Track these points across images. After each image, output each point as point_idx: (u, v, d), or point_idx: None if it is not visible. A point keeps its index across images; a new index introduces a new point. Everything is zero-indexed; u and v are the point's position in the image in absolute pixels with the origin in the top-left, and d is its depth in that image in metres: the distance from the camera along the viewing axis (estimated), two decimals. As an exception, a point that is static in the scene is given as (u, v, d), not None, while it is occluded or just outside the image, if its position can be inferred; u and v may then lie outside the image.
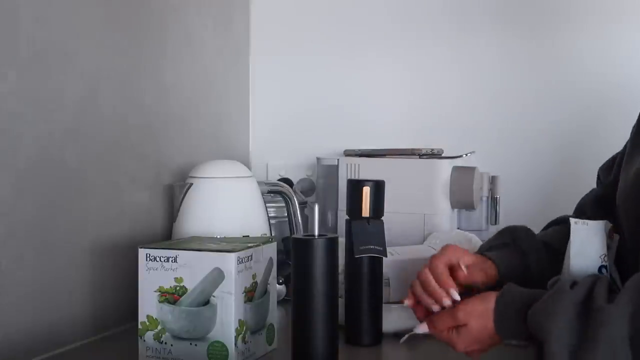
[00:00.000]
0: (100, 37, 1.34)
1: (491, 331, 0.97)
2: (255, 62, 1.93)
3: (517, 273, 1.16)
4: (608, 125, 1.69)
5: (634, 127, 1.22)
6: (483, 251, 1.23)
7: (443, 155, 1.64)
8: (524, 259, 1.18)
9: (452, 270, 1.12)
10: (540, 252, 1.19)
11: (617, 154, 1.27)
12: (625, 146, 1.24)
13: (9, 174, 1.14)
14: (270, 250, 1.20)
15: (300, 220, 1.56)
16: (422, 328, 1.06)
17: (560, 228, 1.23)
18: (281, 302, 1.37)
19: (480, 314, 0.98)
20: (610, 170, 1.27)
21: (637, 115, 1.22)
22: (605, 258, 1.10)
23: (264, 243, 1.18)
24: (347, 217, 1.28)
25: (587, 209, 1.28)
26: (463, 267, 1.11)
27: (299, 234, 1.45)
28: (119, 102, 1.39)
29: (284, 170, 1.89)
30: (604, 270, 1.09)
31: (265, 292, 1.18)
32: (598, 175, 1.32)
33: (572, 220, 1.12)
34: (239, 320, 1.10)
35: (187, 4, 1.62)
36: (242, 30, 1.90)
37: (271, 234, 1.48)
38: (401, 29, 1.84)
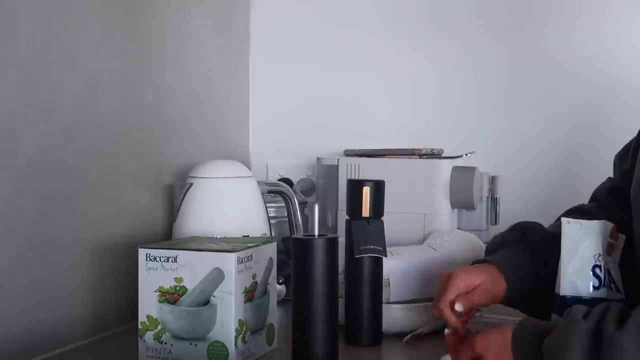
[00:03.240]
0: (100, 37, 1.34)
1: None
2: (255, 62, 1.92)
3: (527, 278, 1.18)
4: (608, 125, 1.69)
5: None
6: (491, 250, 1.25)
7: (443, 155, 1.64)
8: (533, 258, 1.19)
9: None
10: (551, 251, 1.19)
11: (632, 140, 1.26)
12: (639, 134, 1.23)
13: (9, 173, 1.14)
14: (270, 250, 1.20)
15: (300, 220, 1.56)
16: (447, 358, 1.08)
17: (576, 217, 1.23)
18: (281, 302, 1.37)
19: (497, 346, 1.00)
20: (626, 157, 1.26)
21: None
22: (600, 258, 1.10)
23: (264, 243, 1.18)
24: (347, 217, 1.28)
25: (602, 198, 1.28)
26: (458, 307, 1.14)
27: (299, 234, 1.45)
28: (119, 101, 1.39)
29: (284, 170, 1.89)
30: (597, 270, 1.09)
31: (265, 292, 1.18)
32: (614, 164, 1.31)
33: (564, 220, 1.12)
34: (239, 320, 1.10)
35: (187, 4, 1.62)
36: (242, 30, 1.90)
37: (271, 234, 1.48)
38: (401, 29, 1.84)
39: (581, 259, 1.10)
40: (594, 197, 1.33)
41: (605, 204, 1.26)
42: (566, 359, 0.92)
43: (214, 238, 1.29)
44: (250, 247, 1.14)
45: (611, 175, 1.32)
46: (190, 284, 1.10)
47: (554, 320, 1.00)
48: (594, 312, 0.94)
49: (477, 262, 1.24)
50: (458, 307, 1.14)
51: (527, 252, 1.20)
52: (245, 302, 1.11)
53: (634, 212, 1.11)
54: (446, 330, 1.11)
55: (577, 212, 1.24)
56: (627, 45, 1.68)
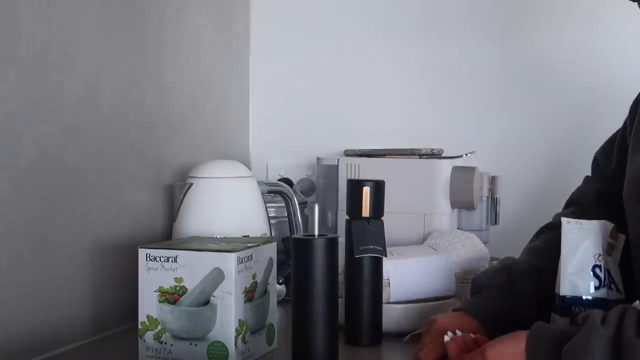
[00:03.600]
0: (100, 37, 1.34)
1: None
2: (255, 62, 1.93)
3: (504, 315, 1.15)
4: (608, 125, 1.68)
5: (631, 108, 1.19)
6: (475, 291, 1.21)
7: (443, 155, 1.64)
8: (514, 306, 1.17)
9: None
10: (533, 298, 1.16)
11: (615, 134, 1.24)
12: (625, 127, 1.21)
13: (9, 173, 1.14)
14: (270, 250, 1.20)
15: (300, 220, 1.56)
16: None
17: (553, 236, 1.18)
18: (281, 302, 1.37)
19: (511, 354, 0.96)
20: (610, 155, 1.23)
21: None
22: (600, 258, 1.10)
23: (264, 243, 1.18)
24: (347, 217, 1.28)
25: (589, 207, 1.24)
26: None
27: (299, 234, 1.45)
28: (119, 101, 1.39)
29: (284, 170, 1.89)
30: (597, 270, 1.09)
31: (265, 292, 1.18)
32: (596, 159, 1.29)
33: (564, 220, 1.11)
34: (239, 320, 1.10)
35: (187, 4, 1.62)
36: (242, 30, 1.90)
37: (271, 234, 1.48)
38: (401, 28, 1.84)
39: (581, 259, 1.10)
40: (575, 202, 1.28)
41: (593, 211, 1.20)
42: None
43: (214, 238, 1.29)
44: (250, 247, 1.14)
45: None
46: (190, 284, 1.10)
47: (569, 327, 0.97)
48: (611, 316, 0.92)
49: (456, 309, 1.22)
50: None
51: (511, 300, 1.17)
52: (245, 302, 1.11)
53: (627, 211, 1.11)
54: (445, 338, 1.06)
55: (556, 228, 1.16)
56: (626, 43, 1.69)
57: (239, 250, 1.10)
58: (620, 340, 0.89)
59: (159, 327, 1.12)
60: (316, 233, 1.13)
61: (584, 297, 1.08)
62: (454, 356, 1.04)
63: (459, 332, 1.08)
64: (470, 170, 1.58)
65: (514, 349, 0.96)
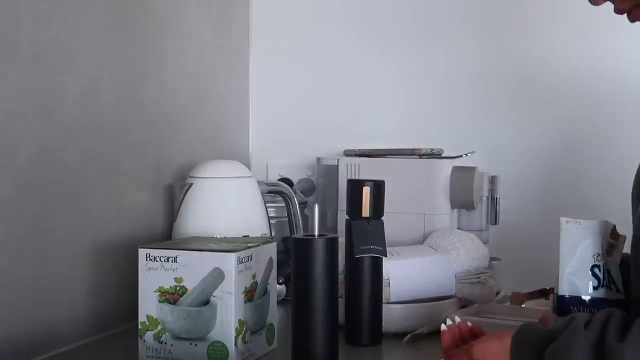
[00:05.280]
0: (100, 37, 1.34)
1: None
2: (255, 62, 1.93)
3: None
4: (609, 125, 1.69)
5: None
6: None
7: (443, 155, 1.64)
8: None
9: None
10: None
11: None
12: None
13: (9, 173, 1.14)
14: (270, 250, 1.20)
15: (300, 220, 1.56)
16: None
17: None
18: (281, 302, 1.38)
19: (495, 352, 0.97)
20: None
21: None
22: (600, 258, 1.10)
23: (264, 243, 1.18)
24: (347, 217, 1.28)
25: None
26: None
27: (299, 234, 1.45)
28: (119, 101, 1.39)
29: (284, 170, 1.89)
30: (596, 270, 1.09)
31: (265, 292, 1.18)
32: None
33: (563, 220, 1.11)
34: (239, 320, 1.10)
35: (187, 3, 1.62)
36: (242, 30, 1.90)
37: (271, 234, 1.48)
38: (402, 28, 1.84)
39: (580, 259, 1.10)
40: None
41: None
42: None
43: (214, 238, 1.29)
44: (250, 247, 1.14)
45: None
46: (190, 284, 1.10)
47: (554, 328, 0.98)
48: (595, 320, 0.92)
49: None
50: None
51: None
52: (245, 302, 1.11)
53: (632, 209, 1.10)
54: (443, 326, 1.06)
55: None
56: (627, 44, 1.69)
57: (239, 250, 1.10)
58: (603, 343, 0.89)
59: (159, 327, 1.12)
60: (316, 233, 1.13)
61: (582, 297, 1.08)
62: (445, 349, 1.04)
63: (457, 320, 1.07)
64: (470, 170, 1.58)
65: (499, 348, 0.96)
